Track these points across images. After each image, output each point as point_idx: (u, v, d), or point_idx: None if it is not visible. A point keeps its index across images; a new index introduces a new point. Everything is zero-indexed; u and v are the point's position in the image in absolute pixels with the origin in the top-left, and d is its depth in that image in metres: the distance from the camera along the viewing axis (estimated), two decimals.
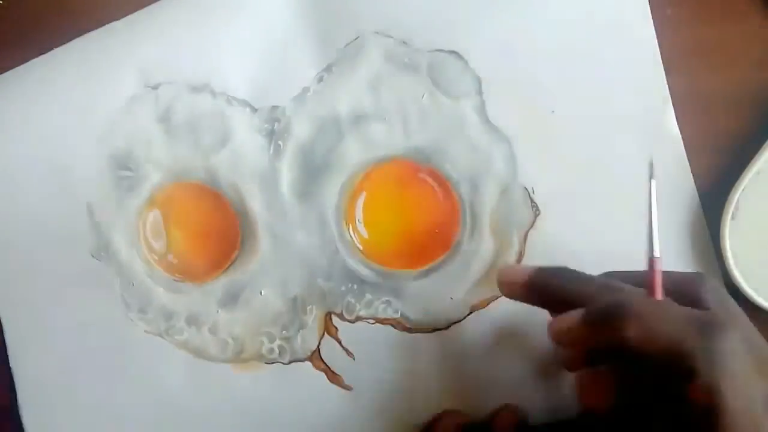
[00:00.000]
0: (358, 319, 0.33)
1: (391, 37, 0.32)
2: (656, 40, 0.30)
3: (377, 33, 0.32)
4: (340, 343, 0.33)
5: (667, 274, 0.24)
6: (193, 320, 0.34)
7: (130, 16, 0.33)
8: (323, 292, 0.33)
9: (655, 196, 0.25)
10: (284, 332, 0.33)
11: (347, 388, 0.33)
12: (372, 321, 0.33)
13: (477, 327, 0.32)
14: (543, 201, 0.31)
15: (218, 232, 0.34)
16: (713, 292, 0.24)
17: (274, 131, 0.33)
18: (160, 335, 0.34)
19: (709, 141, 0.31)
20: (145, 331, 0.34)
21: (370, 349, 0.33)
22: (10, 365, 0.35)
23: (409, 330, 0.32)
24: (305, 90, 0.33)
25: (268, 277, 0.33)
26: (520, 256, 0.31)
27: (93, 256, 0.34)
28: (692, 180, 0.30)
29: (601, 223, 0.31)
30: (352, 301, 0.33)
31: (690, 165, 0.31)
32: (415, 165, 0.32)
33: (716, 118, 0.31)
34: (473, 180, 0.32)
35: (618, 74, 0.31)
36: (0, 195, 0.35)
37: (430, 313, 0.32)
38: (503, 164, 0.31)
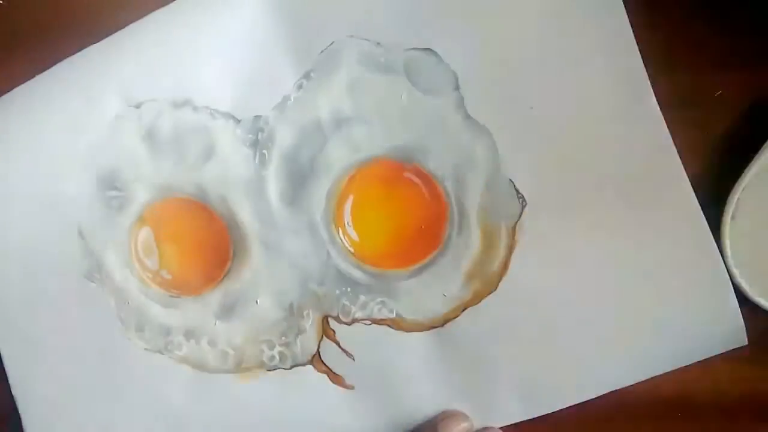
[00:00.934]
0: (355, 321, 0.33)
1: (366, 40, 0.32)
2: (631, 30, 0.30)
3: (352, 37, 0.32)
4: (338, 345, 0.33)
5: None
6: (191, 334, 0.34)
7: (108, 38, 0.33)
8: (318, 297, 0.33)
9: None
10: (283, 338, 0.33)
11: (349, 387, 0.33)
12: (368, 322, 0.33)
13: (472, 323, 0.32)
14: (529, 192, 0.31)
15: (210, 245, 0.34)
16: None
17: (258, 141, 0.33)
18: (160, 352, 0.34)
19: (708, 141, 0.31)
20: (144, 348, 0.34)
21: (369, 349, 0.33)
22: (12, 393, 0.35)
23: (405, 329, 0.32)
24: (286, 98, 0.33)
25: (263, 286, 0.33)
26: (511, 248, 0.32)
27: (86, 278, 0.34)
28: (680, 162, 0.30)
29: (590, 210, 0.31)
30: (347, 303, 0.33)
31: (690, 165, 0.30)
32: (400, 164, 0.32)
33: (716, 118, 0.31)
34: (458, 175, 0.32)
35: (593, 60, 0.31)
36: None
37: (424, 311, 0.32)
38: (486, 158, 0.31)
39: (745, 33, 0.31)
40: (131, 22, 0.33)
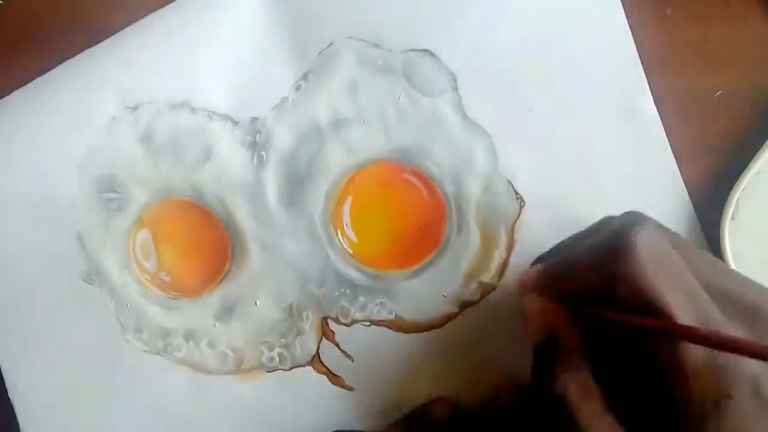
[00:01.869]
0: (354, 322, 0.33)
1: (364, 41, 0.32)
2: (630, 30, 0.30)
3: (350, 38, 0.32)
4: (338, 346, 0.33)
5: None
6: (190, 336, 0.34)
7: (105, 40, 0.33)
8: (317, 298, 0.33)
9: None
10: (283, 340, 0.33)
11: (349, 388, 0.33)
12: (368, 323, 0.33)
13: (471, 322, 0.32)
14: (527, 192, 0.31)
15: (208, 246, 0.34)
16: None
17: (256, 143, 0.33)
18: (159, 353, 0.34)
19: (709, 141, 0.31)
20: (144, 350, 0.34)
21: (369, 350, 0.33)
22: (9, 396, 0.35)
23: (405, 330, 0.33)
24: (284, 100, 0.33)
25: (262, 287, 0.33)
26: (510, 248, 0.32)
27: (85, 280, 0.34)
28: (675, 164, 0.31)
29: (587, 212, 0.31)
30: (346, 305, 0.33)
31: (690, 165, 0.31)
32: (398, 165, 0.32)
33: (716, 118, 0.31)
34: (456, 176, 0.32)
35: (591, 61, 0.31)
36: None
37: (423, 311, 0.32)
38: (484, 158, 0.32)
39: (745, 33, 0.31)
40: (131, 21, 0.33)
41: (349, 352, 0.33)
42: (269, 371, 0.34)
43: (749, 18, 0.31)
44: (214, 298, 0.34)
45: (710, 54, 0.31)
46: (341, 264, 0.33)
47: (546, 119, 0.31)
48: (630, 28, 0.31)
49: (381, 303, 0.33)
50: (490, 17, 0.31)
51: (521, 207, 0.32)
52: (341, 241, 0.33)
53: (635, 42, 0.31)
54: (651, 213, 0.30)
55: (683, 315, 0.20)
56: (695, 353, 0.20)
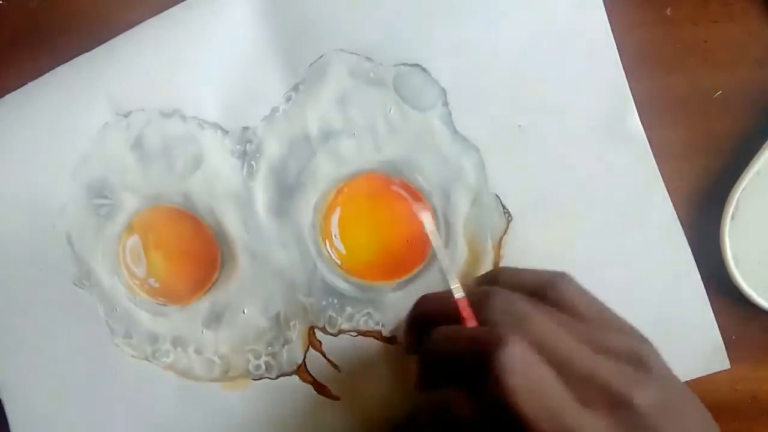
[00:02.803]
0: (341, 332, 0.33)
1: (356, 54, 0.32)
2: (615, 44, 0.30)
3: (341, 50, 0.32)
4: (324, 356, 0.33)
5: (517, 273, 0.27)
6: (178, 342, 0.34)
7: (98, 48, 0.33)
8: (305, 308, 0.33)
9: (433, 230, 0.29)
10: (269, 348, 0.34)
11: (335, 398, 0.33)
12: (354, 333, 0.33)
13: None
14: (515, 207, 0.32)
15: (197, 254, 0.34)
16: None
17: (247, 152, 0.33)
18: (147, 359, 0.34)
19: (708, 141, 0.31)
20: (132, 355, 0.34)
21: (355, 360, 0.33)
22: (0, 398, 0.35)
23: (391, 341, 0.33)
24: (274, 110, 0.33)
25: (250, 296, 0.33)
26: (497, 262, 0.32)
27: (75, 284, 0.34)
28: (662, 182, 0.31)
29: (574, 227, 0.31)
30: (334, 315, 0.33)
31: (690, 165, 0.31)
32: (387, 178, 0.32)
33: (716, 118, 0.31)
34: (445, 190, 0.32)
35: (579, 79, 0.31)
36: None
37: None
38: (473, 173, 0.32)
39: (746, 33, 0.31)
40: (130, 23, 0.33)
41: (335, 362, 0.33)
42: (255, 379, 0.34)
43: (749, 19, 0.31)
44: (203, 306, 0.34)
45: (710, 54, 0.31)
46: (329, 274, 0.33)
47: (535, 135, 0.31)
48: (630, 28, 0.31)
49: (368, 314, 0.33)
50: (481, 34, 0.31)
51: (509, 222, 0.32)
52: (329, 251, 0.33)
53: (635, 42, 0.31)
54: (640, 232, 0.31)
55: (540, 425, 0.21)
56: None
